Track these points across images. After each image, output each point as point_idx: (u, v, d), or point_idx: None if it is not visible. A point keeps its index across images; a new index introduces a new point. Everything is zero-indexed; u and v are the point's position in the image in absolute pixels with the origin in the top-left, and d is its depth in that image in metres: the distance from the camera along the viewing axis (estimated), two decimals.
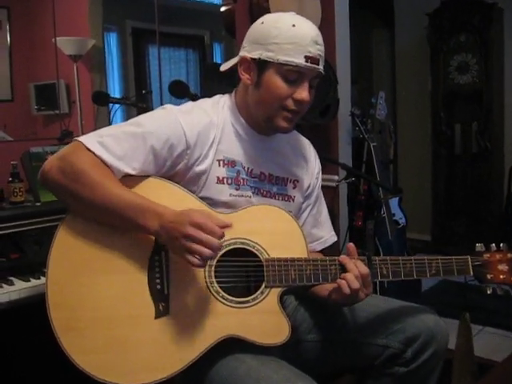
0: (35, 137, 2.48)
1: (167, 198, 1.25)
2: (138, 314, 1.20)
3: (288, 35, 1.28)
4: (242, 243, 1.28)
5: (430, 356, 1.37)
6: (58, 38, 2.58)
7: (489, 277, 1.40)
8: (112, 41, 3.01)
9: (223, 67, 1.46)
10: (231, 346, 1.24)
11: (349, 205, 2.63)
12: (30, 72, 2.81)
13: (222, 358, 1.25)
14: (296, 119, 1.36)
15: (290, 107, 1.32)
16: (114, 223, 1.22)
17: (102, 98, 2.48)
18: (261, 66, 1.31)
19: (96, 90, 2.74)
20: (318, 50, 1.30)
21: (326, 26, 3.09)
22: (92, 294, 1.20)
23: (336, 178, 3.00)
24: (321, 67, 1.32)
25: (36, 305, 1.31)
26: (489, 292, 1.41)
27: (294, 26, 1.29)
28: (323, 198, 1.61)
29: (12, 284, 1.61)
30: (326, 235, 1.58)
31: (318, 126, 3.25)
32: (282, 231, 1.32)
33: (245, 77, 1.35)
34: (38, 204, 1.89)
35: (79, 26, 2.75)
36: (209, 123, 1.35)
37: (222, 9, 3.05)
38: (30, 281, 1.62)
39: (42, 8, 2.87)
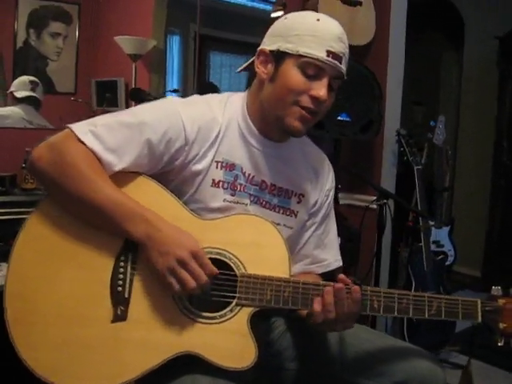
0: None
1: (149, 201, 1.16)
2: (95, 315, 1.12)
3: (311, 28, 1.19)
4: (218, 253, 1.17)
5: None
6: (119, 37, 2.63)
7: (501, 326, 1.21)
8: (174, 43, 3.06)
9: (240, 68, 1.38)
10: (194, 363, 1.13)
11: (379, 229, 2.45)
12: (93, 68, 2.87)
13: (179, 375, 1.13)
14: (311, 122, 1.25)
15: (305, 104, 1.21)
16: (97, 223, 1.14)
17: (138, 95, 2.50)
18: (279, 57, 1.22)
19: (153, 89, 2.77)
20: (341, 47, 1.20)
21: (380, 39, 2.97)
22: (51, 288, 1.13)
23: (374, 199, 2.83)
24: (343, 67, 1.22)
25: None
26: (500, 344, 1.22)
27: (318, 20, 1.20)
28: (334, 219, 1.47)
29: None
30: (330, 259, 1.44)
31: (360, 143, 3.10)
32: (265, 245, 1.19)
33: (260, 70, 1.26)
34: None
35: (142, 26, 2.79)
36: (211, 120, 1.25)
37: (273, 15, 2.99)
38: None
39: (109, 7, 2.94)
